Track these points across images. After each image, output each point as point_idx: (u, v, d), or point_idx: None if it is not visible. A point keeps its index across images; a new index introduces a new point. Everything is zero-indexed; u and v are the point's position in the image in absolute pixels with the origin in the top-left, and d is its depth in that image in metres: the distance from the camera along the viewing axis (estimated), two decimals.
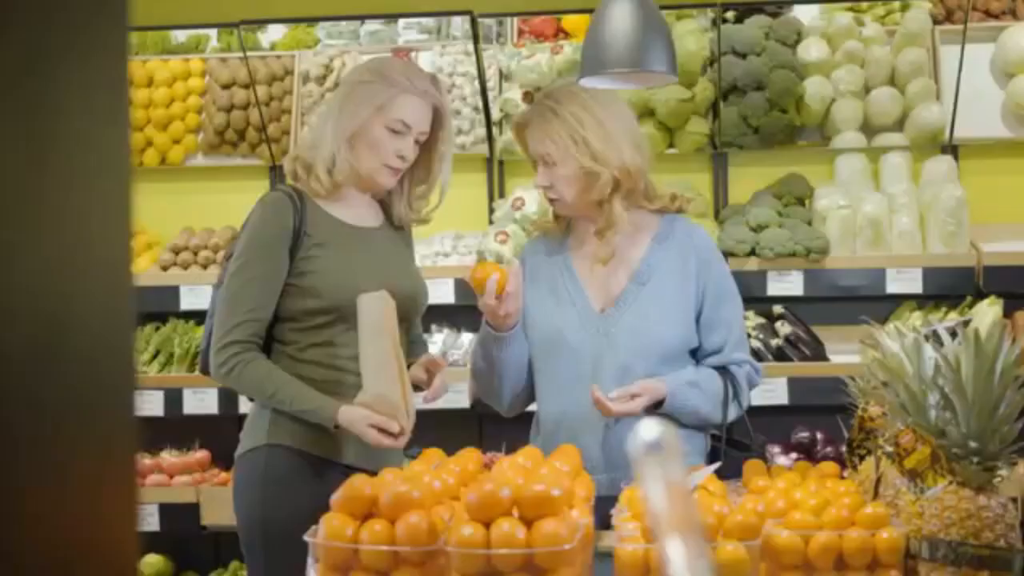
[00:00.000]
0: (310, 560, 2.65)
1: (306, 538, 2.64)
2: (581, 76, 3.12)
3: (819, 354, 5.29)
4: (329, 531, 2.62)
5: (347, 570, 2.61)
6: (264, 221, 3.61)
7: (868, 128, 5.77)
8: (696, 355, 3.74)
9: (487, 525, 2.56)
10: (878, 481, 2.89)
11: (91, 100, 1.09)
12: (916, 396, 2.66)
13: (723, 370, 3.70)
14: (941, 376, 2.60)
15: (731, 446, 3.70)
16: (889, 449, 2.71)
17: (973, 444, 2.55)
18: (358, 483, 2.70)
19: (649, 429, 1.07)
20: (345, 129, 3.61)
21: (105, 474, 1.11)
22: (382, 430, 3.42)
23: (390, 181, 3.69)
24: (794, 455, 5.00)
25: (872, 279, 5.33)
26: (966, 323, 2.82)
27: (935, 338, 2.72)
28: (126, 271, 1.13)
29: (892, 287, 5.32)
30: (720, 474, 3.39)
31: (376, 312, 3.44)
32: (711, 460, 3.68)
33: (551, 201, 3.72)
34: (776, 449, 5.08)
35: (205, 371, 3.80)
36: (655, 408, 3.58)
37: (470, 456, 3.19)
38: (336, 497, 2.69)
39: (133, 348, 1.14)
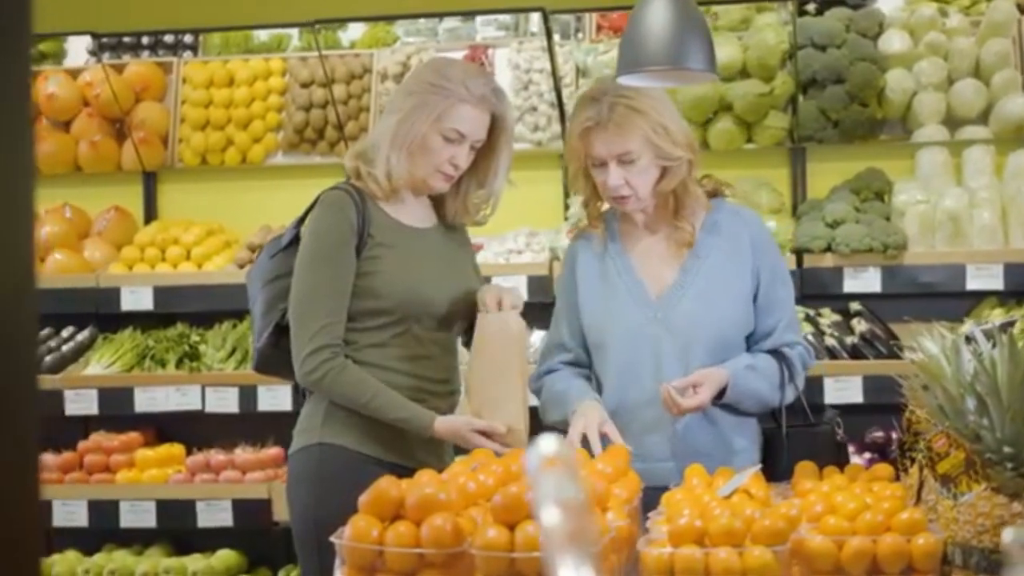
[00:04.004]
0: (337, 561, 2.65)
1: (332, 539, 2.65)
2: (618, 74, 3.08)
3: (896, 352, 5.19)
4: (354, 532, 2.62)
5: (373, 571, 2.61)
6: (331, 220, 3.61)
7: (951, 121, 5.65)
8: (749, 340, 3.68)
9: (512, 528, 2.54)
10: (921, 485, 2.81)
11: None
12: (954, 399, 2.59)
13: (776, 352, 3.65)
14: (977, 380, 2.52)
15: (793, 428, 3.64)
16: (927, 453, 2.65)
17: (1008, 449, 2.47)
18: (385, 484, 2.69)
19: (547, 444, 1.04)
20: (403, 140, 3.59)
21: (5, 471, 1.11)
22: (487, 435, 3.47)
23: (443, 186, 3.68)
24: (868, 455, 4.92)
25: (952, 275, 5.22)
26: (1005, 326, 2.75)
27: (977, 341, 2.65)
28: (29, 272, 1.13)
29: (972, 284, 5.21)
30: (774, 477, 3.35)
31: (508, 330, 3.51)
32: (767, 450, 3.63)
33: (621, 200, 3.61)
34: (850, 449, 5.00)
35: (259, 370, 3.82)
36: (717, 397, 3.53)
37: (515, 457, 3.16)
38: (364, 498, 2.69)
39: (35, 348, 1.14)
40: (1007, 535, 1.25)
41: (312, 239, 3.62)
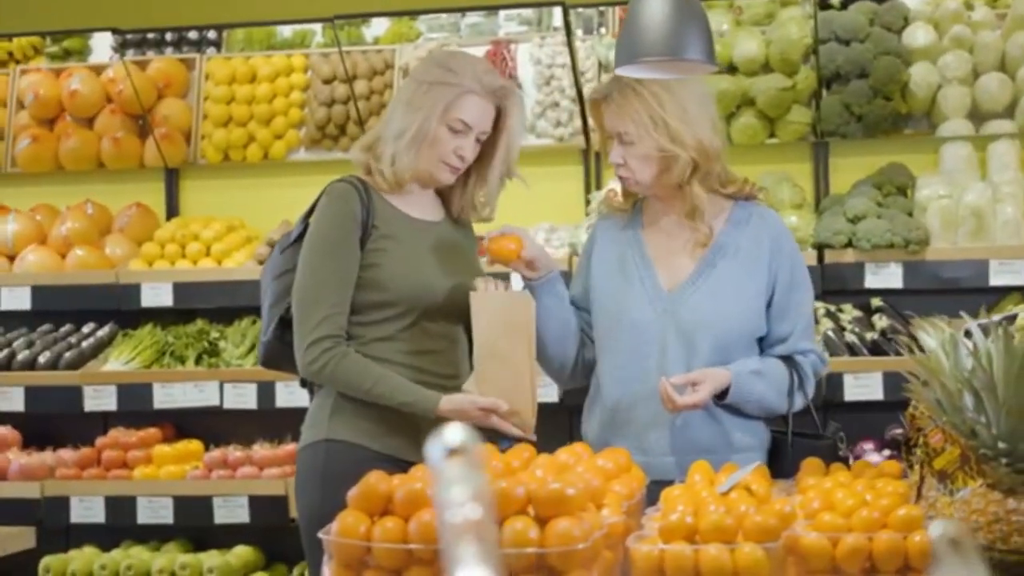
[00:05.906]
0: (325, 557, 2.62)
1: (320, 535, 2.62)
2: (616, 65, 3.05)
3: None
4: (342, 528, 2.59)
5: (361, 568, 2.58)
6: (334, 212, 3.61)
7: (976, 115, 5.58)
8: (762, 344, 3.65)
9: (500, 524, 2.51)
10: (922, 482, 2.76)
11: None
12: (952, 395, 2.54)
13: (788, 359, 3.61)
14: (974, 375, 2.48)
15: (798, 437, 3.60)
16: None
17: (1003, 445, 2.43)
18: (374, 479, 2.66)
19: (453, 434, 1.01)
20: (410, 134, 3.58)
21: None
22: (490, 411, 3.44)
23: (449, 178, 3.67)
24: (887, 452, 4.86)
25: (975, 271, 5.16)
26: (1002, 321, 2.70)
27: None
28: None
29: (996, 279, 5.14)
30: (783, 472, 3.32)
31: (523, 312, 3.49)
32: (772, 453, 3.60)
33: (622, 179, 3.66)
34: (869, 446, 4.95)
35: (265, 364, 3.80)
36: (719, 398, 3.50)
37: (520, 452, 3.13)
38: (352, 493, 2.66)
39: None
40: (934, 529, 1.20)
41: (315, 231, 3.61)
